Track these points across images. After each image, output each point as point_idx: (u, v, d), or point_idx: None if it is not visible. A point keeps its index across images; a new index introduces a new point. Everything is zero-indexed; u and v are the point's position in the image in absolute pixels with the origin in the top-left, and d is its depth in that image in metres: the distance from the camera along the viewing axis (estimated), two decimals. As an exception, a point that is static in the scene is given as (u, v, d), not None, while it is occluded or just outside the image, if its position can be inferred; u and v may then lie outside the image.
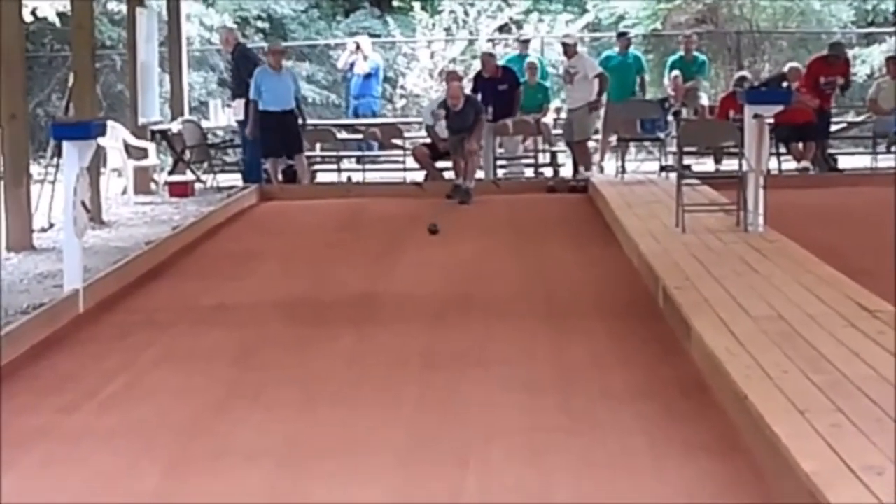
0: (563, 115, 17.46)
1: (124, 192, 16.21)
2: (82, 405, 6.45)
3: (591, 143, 17.38)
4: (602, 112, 17.66)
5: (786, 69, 17.43)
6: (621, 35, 18.52)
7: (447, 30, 23.61)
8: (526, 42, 19.71)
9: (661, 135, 16.46)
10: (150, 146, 17.01)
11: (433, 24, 23.59)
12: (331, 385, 6.82)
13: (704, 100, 18.39)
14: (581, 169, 16.47)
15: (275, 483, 5.27)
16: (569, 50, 17.02)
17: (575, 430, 5.86)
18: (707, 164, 16.25)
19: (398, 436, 5.86)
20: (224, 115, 18.54)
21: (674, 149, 14.18)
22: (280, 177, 16.70)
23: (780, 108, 11.77)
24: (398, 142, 18.03)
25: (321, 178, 17.99)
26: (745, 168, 11.17)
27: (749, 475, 5.18)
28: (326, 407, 6.38)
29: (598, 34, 23.63)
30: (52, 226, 12.72)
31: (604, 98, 17.46)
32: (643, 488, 5.09)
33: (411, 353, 7.47)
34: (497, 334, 7.88)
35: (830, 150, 17.56)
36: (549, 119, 17.59)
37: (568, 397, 6.43)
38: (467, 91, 15.99)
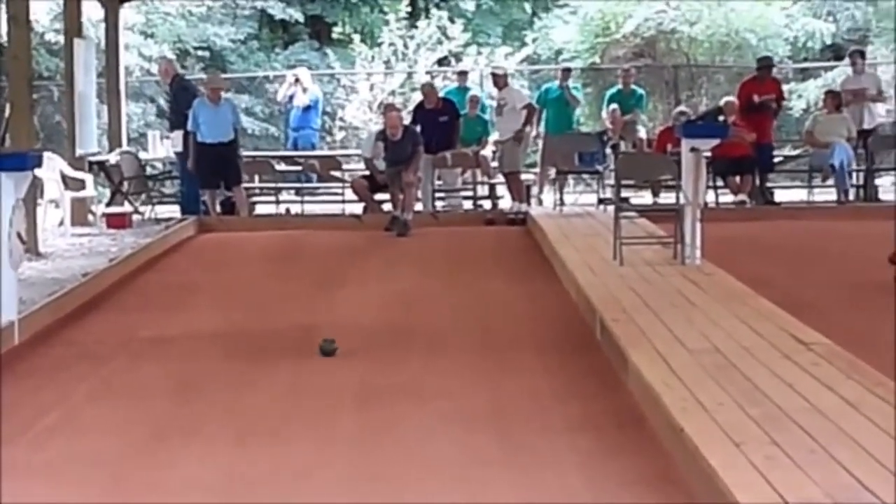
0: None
1: (61, 223, 16.09)
2: (15, 439, 6.39)
3: (528, 176, 17.44)
4: (540, 144, 17.76)
5: (722, 103, 17.57)
6: (566, 70, 18.63)
7: (386, 62, 23.67)
8: (464, 74, 19.79)
9: (600, 168, 16.54)
10: (88, 177, 16.91)
11: (372, 57, 23.63)
12: (267, 419, 6.79)
13: (642, 133, 18.51)
14: (515, 201, 16.52)
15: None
16: (498, 81, 17.12)
17: (512, 465, 5.86)
18: (645, 198, 16.33)
19: (335, 470, 5.85)
20: (162, 147, 18.47)
21: (612, 182, 14.25)
22: (218, 208, 16.65)
23: (716, 141, 11.86)
24: (337, 174, 18.03)
25: (260, 209, 17.96)
26: (682, 201, 11.23)
27: (685, 508, 5.20)
28: (263, 442, 6.35)
29: (537, 66, 23.75)
30: (-13, 257, 12.61)
31: (538, 129, 17.56)
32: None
33: (348, 386, 7.45)
34: (435, 368, 7.88)
35: (767, 184, 17.70)
36: (487, 151, 17.66)
37: (505, 431, 6.43)
38: (406, 122, 16.02)
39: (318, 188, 18.68)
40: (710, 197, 16.04)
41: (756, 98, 17.14)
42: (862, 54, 18.29)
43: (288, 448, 6.21)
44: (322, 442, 6.31)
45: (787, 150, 19.60)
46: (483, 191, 17.86)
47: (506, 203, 17.25)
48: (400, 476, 5.70)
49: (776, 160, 18.39)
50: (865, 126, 17.37)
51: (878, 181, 17.91)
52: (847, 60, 18.58)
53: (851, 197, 17.07)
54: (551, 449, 6.10)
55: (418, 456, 6.01)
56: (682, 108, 18.47)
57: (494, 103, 17.47)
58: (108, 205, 17.41)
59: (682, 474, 5.55)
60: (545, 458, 5.97)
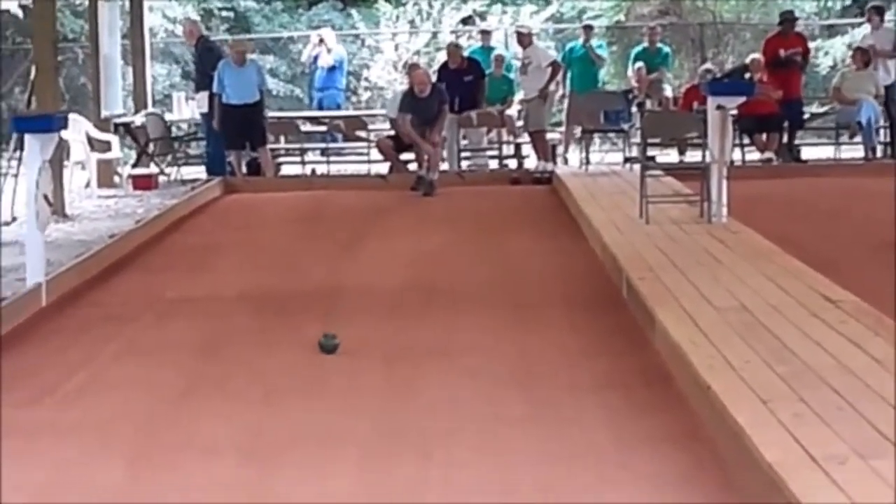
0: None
1: (87, 185, 16.12)
2: (44, 399, 6.42)
3: (554, 135, 17.39)
4: (565, 103, 17.70)
5: (748, 60, 17.46)
6: (587, 28, 18.54)
7: (411, 22, 23.58)
8: (489, 33, 19.70)
9: (625, 126, 16.49)
10: (114, 139, 16.92)
11: (397, 17, 23.55)
12: (294, 377, 6.81)
13: (668, 91, 18.41)
14: (541, 160, 16.48)
15: (239, 475, 5.25)
16: (523, 39, 17.05)
17: (538, 422, 5.86)
18: (671, 156, 16.28)
19: (361, 428, 5.85)
20: (188, 108, 18.45)
21: (638, 140, 14.21)
22: (244, 169, 16.66)
23: (742, 99, 11.80)
24: (362, 134, 18.00)
25: (285, 170, 17.95)
26: (708, 159, 11.20)
27: (711, 465, 5.19)
28: (290, 399, 6.37)
29: (562, 25, 23.64)
30: (14, 220, 12.65)
31: (564, 88, 17.49)
32: (607, 479, 5.10)
33: (375, 344, 7.46)
34: (461, 326, 7.88)
35: (795, 141, 17.60)
36: (513, 111, 17.60)
37: (531, 388, 6.43)
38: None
39: (343, 148, 18.65)
40: (737, 155, 15.97)
41: (782, 53, 17.02)
42: (879, 10, 18.10)
43: (315, 406, 6.22)
44: (349, 400, 6.32)
45: (815, 108, 19.47)
46: (508, 150, 17.81)
47: (531, 162, 17.21)
48: (427, 434, 5.70)
49: (805, 117, 18.28)
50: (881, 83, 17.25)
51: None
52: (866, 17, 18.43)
53: (879, 154, 16.97)
54: (578, 406, 6.10)
55: (445, 413, 6.02)
56: (707, 65, 18.38)
57: (519, 62, 17.40)
58: (134, 166, 17.43)
59: (709, 432, 5.54)
60: (572, 415, 5.97)
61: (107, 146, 16.65)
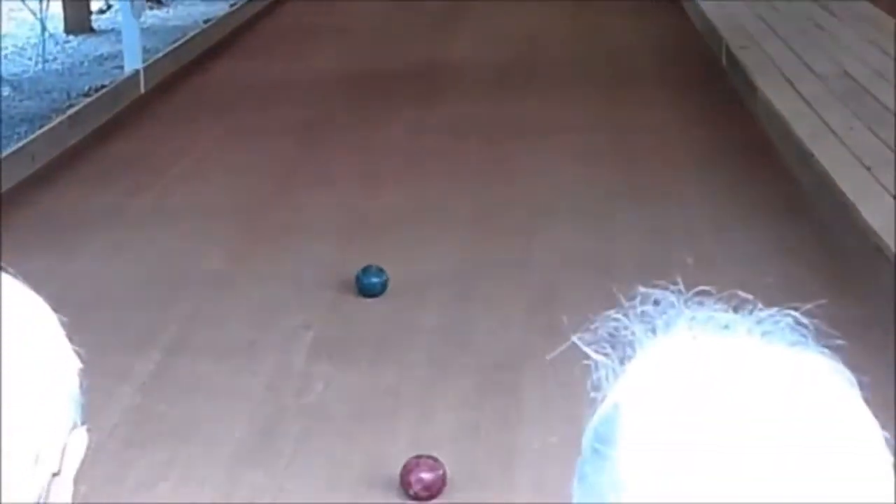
0: None
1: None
2: (148, 187, 6.49)
3: None
4: None
5: None
6: None
7: None
8: None
9: None
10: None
11: None
12: (394, 158, 6.82)
13: None
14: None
15: (343, 251, 5.31)
16: None
17: (636, 198, 5.85)
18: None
19: (463, 206, 5.88)
20: None
21: None
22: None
23: None
24: None
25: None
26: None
27: (814, 235, 5.16)
28: (390, 180, 6.39)
29: None
30: (109, 7, 12.66)
31: None
32: (705, 255, 5.08)
33: (473, 123, 7.43)
34: (558, 102, 7.83)
35: None
36: None
37: (630, 165, 6.40)
38: None
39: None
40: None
41: None
42: None
43: (415, 186, 6.25)
44: (449, 179, 6.33)
45: None
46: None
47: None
48: (527, 210, 5.72)
49: None
50: None
51: None
52: None
53: None
54: (676, 181, 6.07)
55: (544, 190, 6.02)
56: None
57: None
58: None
59: (811, 202, 5.50)
60: (670, 190, 5.94)
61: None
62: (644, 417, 0.76)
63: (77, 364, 0.89)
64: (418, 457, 3.57)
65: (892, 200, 4.92)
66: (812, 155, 5.63)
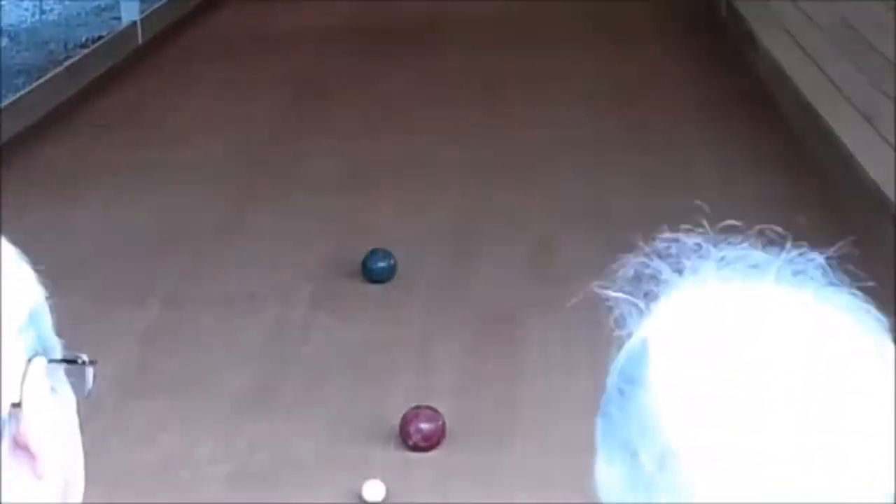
0: None
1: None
2: (146, 139, 6.47)
3: None
4: None
5: None
6: None
7: None
8: None
9: None
10: None
11: None
12: (393, 109, 6.80)
13: None
14: None
15: (341, 205, 5.31)
16: None
17: (638, 147, 5.84)
18: None
19: (461, 155, 5.87)
20: None
21: None
22: None
23: None
24: None
25: None
26: None
27: (816, 186, 5.15)
28: (389, 130, 6.38)
29: None
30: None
31: None
32: (706, 203, 5.06)
33: (472, 73, 7.41)
34: (557, 52, 7.79)
35: None
36: None
37: (630, 112, 6.38)
38: None
39: None
40: None
41: None
42: None
43: (414, 135, 6.24)
44: (448, 128, 6.31)
45: None
46: None
47: None
48: (525, 159, 5.73)
49: None
50: None
51: None
52: None
53: None
54: (677, 129, 6.07)
55: (542, 140, 6.02)
56: None
57: None
58: None
59: (814, 155, 5.48)
60: (671, 138, 5.94)
61: None
62: (672, 359, 0.76)
63: (41, 293, 0.87)
64: (417, 407, 3.58)
65: (893, 153, 4.90)
66: (811, 105, 5.61)
